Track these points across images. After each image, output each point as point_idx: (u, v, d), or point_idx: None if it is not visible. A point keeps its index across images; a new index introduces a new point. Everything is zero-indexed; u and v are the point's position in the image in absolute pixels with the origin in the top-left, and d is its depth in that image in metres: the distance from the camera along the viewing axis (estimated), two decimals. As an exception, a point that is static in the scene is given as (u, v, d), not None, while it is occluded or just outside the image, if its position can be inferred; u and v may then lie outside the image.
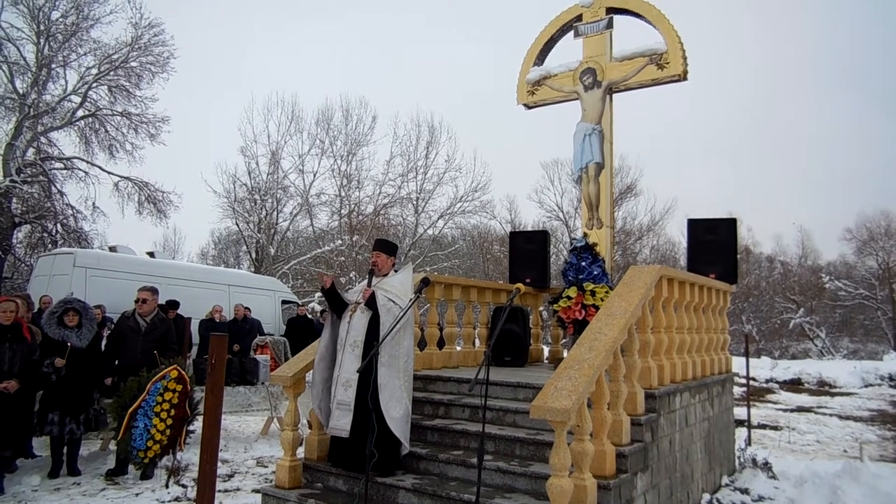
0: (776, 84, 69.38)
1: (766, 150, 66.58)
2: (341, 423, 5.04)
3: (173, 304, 10.14)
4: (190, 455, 6.97)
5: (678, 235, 38.48)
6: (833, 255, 47.51)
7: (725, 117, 69.71)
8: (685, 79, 7.67)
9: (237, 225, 30.33)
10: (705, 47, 55.27)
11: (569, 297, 7.40)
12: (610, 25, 8.14)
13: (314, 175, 30.86)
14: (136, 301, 7.22)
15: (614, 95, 8.10)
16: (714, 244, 7.64)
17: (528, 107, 8.81)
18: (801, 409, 15.10)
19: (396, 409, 4.95)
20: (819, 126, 65.85)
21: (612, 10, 8.16)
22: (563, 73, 8.40)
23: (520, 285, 4.77)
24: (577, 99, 8.23)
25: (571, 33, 8.48)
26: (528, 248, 8.75)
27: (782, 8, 69.36)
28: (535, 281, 8.48)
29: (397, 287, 5.26)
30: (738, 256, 8.26)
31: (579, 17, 8.35)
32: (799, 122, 65.82)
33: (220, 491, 6.14)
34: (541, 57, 8.76)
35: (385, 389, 4.92)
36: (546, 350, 9.55)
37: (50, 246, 20.42)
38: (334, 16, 72.81)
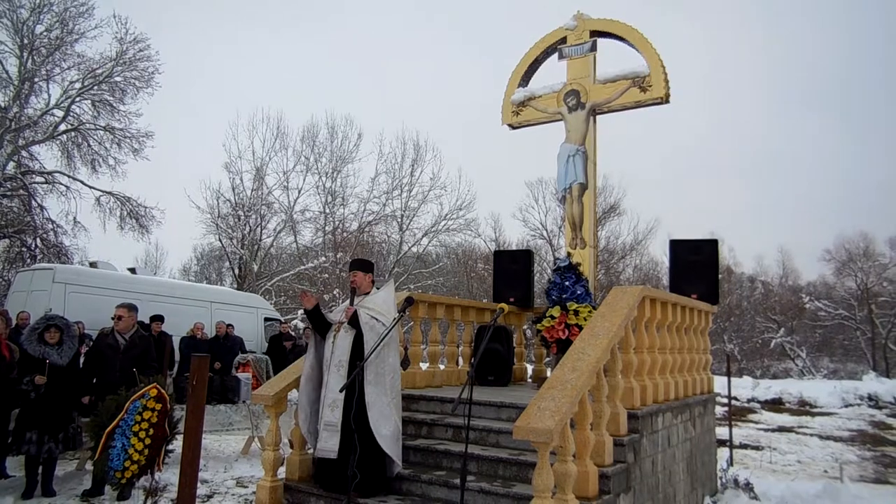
0: (757, 105, 70.63)
1: (747, 171, 67.59)
2: (329, 444, 4.99)
3: (158, 318, 10.14)
4: (168, 475, 6.86)
5: (661, 255, 38.82)
6: (813, 275, 48.06)
7: (707, 138, 70.69)
8: (667, 101, 7.79)
9: (220, 241, 30.11)
10: (686, 68, 56.28)
11: (552, 317, 7.42)
12: (594, 48, 8.26)
13: (299, 192, 30.81)
14: (113, 318, 7.14)
15: (598, 117, 8.21)
16: (696, 265, 7.72)
17: (513, 127, 8.90)
18: (782, 429, 15.19)
19: (386, 427, 4.93)
20: (799, 147, 67.00)
21: (595, 34, 8.29)
22: (548, 94, 8.49)
23: (503, 305, 4.79)
24: (561, 120, 8.32)
25: (556, 55, 8.60)
26: (512, 268, 8.78)
27: (768, 31, 70.80)
28: (519, 300, 8.50)
29: (380, 304, 5.26)
30: (720, 276, 8.35)
31: (564, 40, 8.47)
32: (779, 144, 66.90)
33: (198, 512, 6.04)
34: (525, 78, 8.87)
35: (373, 407, 4.90)
36: (530, 369, 9.55)
37: (29, 261, 20.13)
38: (321, 34, 73.15)
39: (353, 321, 5.11)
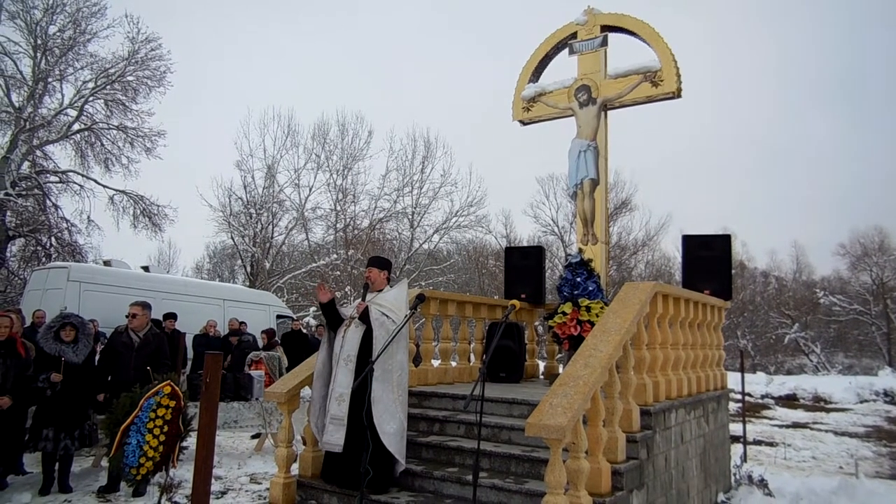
0: (770, 100, 70.02)
1: (760, 165, 67.05)
2: (334, 438, 5.01)
3: (171, 316, 10.22)
4: (183, 472, 6.90)
5: (673, 250, 38.60)
6: (827, 270, 47.69)
7: (719, 133, 70.23)
8: (679, 96, 7.73)
9: (232, 239, 30.25)
10: (699, 64, 55.89)
11: (564, 313, 7.40)
12: (604, 43, 8.22)
13: (310, 189, 30.84)
14: (128, 316, 7.20)
15: (609, 112, 8.17)
16: (709, 260, 7.66)
17: (524, 123, 8.87)
18: (796, 425, 15.09)
19: (390, 424, 4.94)
20: (813, 142, 66.38)
21: (606, 28, 8.25)
22: (558, 89, 8.46)
23: (515, 302, 4.78)
24: (571, 115, 8.28)
25: (566, 50, 8.56)
26: (523, 264, 8.76)
27: (777, 26, 70.13)
28: (531, 296, 8.48)
29: (391, 301, 5.28)
30: (733, 272, 8.30)
31: (574, 35, 8.43)
32: (792, 138, 66.32)
33: (213, 508, 6.07)
34: (536, 74, 8.83)
35: (378, 404, 4.91)
36: (542, 366, 9.54)
37: (44, 259, 20.34)
38: (332, 31, 73.19)
39: (364, 317, 5.13)
